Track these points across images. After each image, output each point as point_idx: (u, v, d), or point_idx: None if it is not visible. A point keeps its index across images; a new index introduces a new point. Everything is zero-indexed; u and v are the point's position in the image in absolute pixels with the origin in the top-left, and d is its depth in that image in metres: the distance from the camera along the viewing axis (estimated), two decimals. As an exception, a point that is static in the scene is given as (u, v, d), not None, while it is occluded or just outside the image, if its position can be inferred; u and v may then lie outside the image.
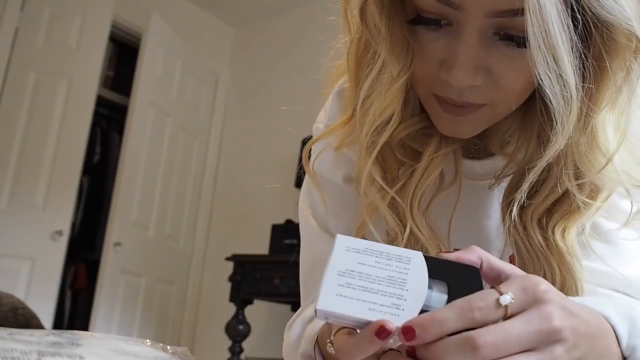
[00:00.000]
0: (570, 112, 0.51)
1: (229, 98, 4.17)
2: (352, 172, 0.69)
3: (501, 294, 0.39)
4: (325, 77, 0.76)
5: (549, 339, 0.39)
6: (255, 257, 2.95)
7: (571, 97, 0.50)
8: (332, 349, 0.43)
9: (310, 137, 0.78)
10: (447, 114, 0.58)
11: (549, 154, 0.54)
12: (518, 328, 0.38)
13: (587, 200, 0.58)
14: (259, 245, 3.28)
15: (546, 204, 0.60)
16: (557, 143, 0.53)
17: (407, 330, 0.38)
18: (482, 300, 0.38)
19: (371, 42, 0.58)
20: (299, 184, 3.33)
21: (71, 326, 3.72)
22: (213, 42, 4.18)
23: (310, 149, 0.69)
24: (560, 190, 0.58)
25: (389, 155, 0.63)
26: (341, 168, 0.70)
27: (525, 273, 0.43)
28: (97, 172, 3.83)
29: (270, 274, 2.78)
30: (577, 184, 0.57)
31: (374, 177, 0.62)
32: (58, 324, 3.39)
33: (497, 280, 0.43)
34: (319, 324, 0.58)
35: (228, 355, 2.85)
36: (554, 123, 0.52)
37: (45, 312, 2.86)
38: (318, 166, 0.70)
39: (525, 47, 0.50)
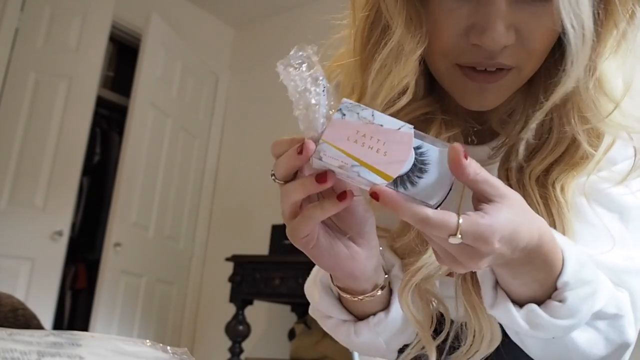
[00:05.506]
0: (583, 50, 0.54)
1: (229, 98, 4.16)
2: None
3: (455, 234, 0.44)
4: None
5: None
6: (255, 257, 2.95)
7: (584, 37, 0.53)
8: None
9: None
10: (475, 83, 0.59)
11: (556, 96, 0.56)
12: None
13: (590, 149, 0.60)
14: (259, 245, 3.27)
15: (545, 164, 0.62)
16: (566, 84, 0.55)
17: (373, 194, 0.45)
18: (441, 227, 0.44)
19: (386, 16, 0.59)
20: (299, 184, 3.32)
21: (71, 326, 3.71)
22: (213, 42, 4.18)
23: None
24: (561, 148, 0.61)
25: None
26: None
27: (508, 197, 0.47)
28: (97, 172, 3.83)
29: (270, 274, 2.77)
30: (583, 130, 0.59)
31: None
32: (58, 325, 3.38)
33: (482, 192, 0.46)
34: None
35: (228, 355, 2.85)
36: (564, 66, 0.55)
37: (45, 312, 2.85)
38: None
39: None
